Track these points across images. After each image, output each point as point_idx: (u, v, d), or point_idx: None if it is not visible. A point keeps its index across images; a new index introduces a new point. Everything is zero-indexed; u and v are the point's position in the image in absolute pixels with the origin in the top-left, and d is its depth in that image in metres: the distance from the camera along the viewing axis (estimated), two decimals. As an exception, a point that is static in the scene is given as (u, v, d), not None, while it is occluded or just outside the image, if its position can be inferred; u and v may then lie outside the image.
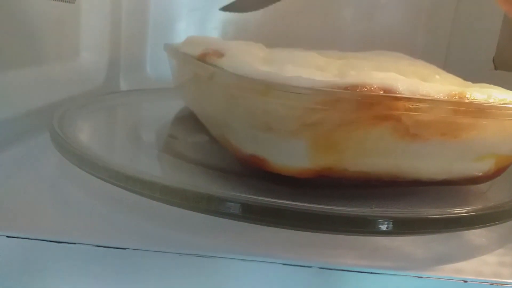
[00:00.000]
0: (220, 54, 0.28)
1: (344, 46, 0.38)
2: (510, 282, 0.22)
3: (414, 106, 0.22)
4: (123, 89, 0.54)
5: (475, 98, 0.24)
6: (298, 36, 0.54)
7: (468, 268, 0.22)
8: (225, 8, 0.44)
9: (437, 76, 0.30)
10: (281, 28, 0.55)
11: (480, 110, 0.23)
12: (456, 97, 0.24)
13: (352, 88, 0.22)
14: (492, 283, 0.22)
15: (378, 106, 0.22)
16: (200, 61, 0.29)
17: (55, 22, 0.40)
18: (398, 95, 0.22)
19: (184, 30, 0.55)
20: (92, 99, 0.41)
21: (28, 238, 0.21)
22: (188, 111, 0.39)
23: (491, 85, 0.27)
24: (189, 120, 0.38)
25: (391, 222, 0.21)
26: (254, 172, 0.26)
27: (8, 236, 0.21)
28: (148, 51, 0.55)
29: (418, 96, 0.23)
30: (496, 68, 0.42)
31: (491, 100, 0.24)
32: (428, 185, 0.26)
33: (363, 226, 0.21)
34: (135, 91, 0.48)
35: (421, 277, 0.22)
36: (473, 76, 0.31)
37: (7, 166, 0.29)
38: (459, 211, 0.23)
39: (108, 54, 0.51)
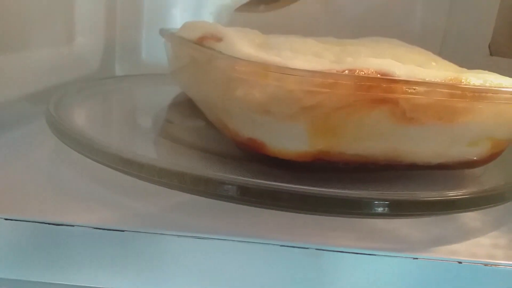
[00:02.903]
0: (218, 39, 0.28)
1: (339, 32, 0.37)
2: (504, 263, 0.22)
3: (412, 89, 0.22)
4: (118, 74, 0.54)
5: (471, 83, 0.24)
6: (292, 22, 0.54)
7: (463, 249, 0.23)
8: (239, 9, 0.44)
9: (433, 63, 0.30)
10: (276, 14, 0.55)
11: (477, 94, 0.23)
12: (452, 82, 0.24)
13: (350, 72, 0.23)
14: (486, 264, 0.22)
15: (375, 89, 0.22)
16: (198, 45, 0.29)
17: (48, 6, 0.40)
18: (395, 78, 0.23)
19: (179, 15, 0.55)
20: (88, 84, 0.41)
21: (26, 221, 0.22)
22: (185, 96, 0.39)
23: (487, 71, 0.27)
24: (186, 106, 0.38)
25: (387, 204, 0.22)
26: (252, 156, 0.26)
27: (6, 219, 0.21)
28: (143, 37, 0.55)
29: (415, 79, 0.23)
30: (491, 54, 0.42)
31: (487, 85, 0.25)
32: (424, 169, 0.27)
33: (360, 208, 0.22)
34: (131, 76, 0.48)
35: (417, 258, 0.22)
36: (468, 62, 0.31)
37: (4, 151, 0.29)
38: (454, 194, 0.23)
39: (103, 39, 0.50)
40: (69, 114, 0.30)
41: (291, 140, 0.24)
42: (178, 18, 0.55)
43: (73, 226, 0.21)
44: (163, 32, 0.38)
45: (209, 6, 0.55)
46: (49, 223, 0.21)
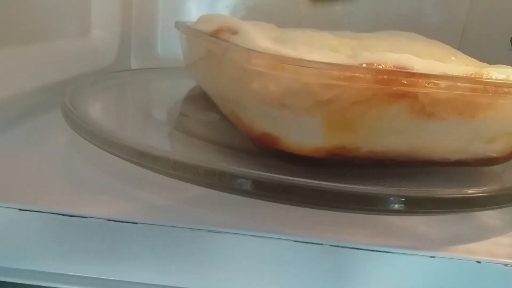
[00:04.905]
0: (234, 31, 0.28)
1: (356, 26, 0.37)
2: (524, 264, 0.21)
3: (432, 83, 0.21)
4: (133, 67, 0.54)
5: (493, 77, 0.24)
6: (308, 17, 0.53)
7: (482, 249, 0.22)
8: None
9: (453, 57, 0.29)
10: (291, 9, 0.54)
11: (500, 89, 0.22)
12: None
13: (367, 66, 0.22)
14: (506, 265, 0.21)
15: (394, 83, 0.21)
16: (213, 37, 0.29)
17: (66, -1, 0.40)
18: (415, 71, 0.22)
19: (195, 9, 0.55)
20: (103, 76, 0.41)
21: (40, 212, 0.22)
22: (200, 90, 0.39)
23: (509, 66, 0.27)
24: (200, 99, 0.38)
25: (404, 201, 0.21)
26: (266, 151, 0.26)
27: (20, 209, 0.22)
28: (159, 30, 0.55)
29: (436, 73, 0.22)
30: (513, 49, 0.41)
31: (511, 79, 0.24)
32: (442, 166, 0.26)
33: (376, 204, 0.21)
34: (146, 70, 0.48)
35: (434, 257, 0.21)
36: (489, 57, 0.30)
37: (20, 141, 0.29)
38: (474, 191, 0.23)
39: (119, 32, 0.50)
40: (84, 106, 0.30)
41: (306, 135, 0.23)
42: (193, 12, 0.55)
43: (86, 217, 0.21)
44: (179, 25, 0.38)
45: (225, 0, 0.55)
46: (62, 214, 0.21)
